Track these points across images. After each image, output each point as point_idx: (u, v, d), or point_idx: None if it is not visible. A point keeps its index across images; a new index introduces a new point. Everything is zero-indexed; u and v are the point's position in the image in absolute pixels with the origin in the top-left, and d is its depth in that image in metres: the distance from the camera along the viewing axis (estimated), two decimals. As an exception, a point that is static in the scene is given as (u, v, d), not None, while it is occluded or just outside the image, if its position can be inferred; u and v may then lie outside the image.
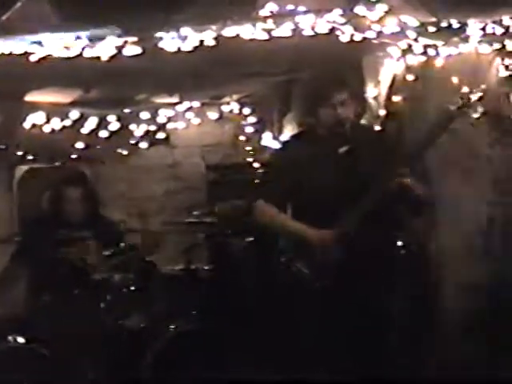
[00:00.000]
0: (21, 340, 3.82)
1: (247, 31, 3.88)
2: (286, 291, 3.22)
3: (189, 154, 6.43)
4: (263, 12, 3.78)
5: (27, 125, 5.65)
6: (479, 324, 4.17)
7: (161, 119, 6.18)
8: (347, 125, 3.12)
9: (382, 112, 4.72)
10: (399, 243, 4.23)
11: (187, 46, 3.89)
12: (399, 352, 3.18)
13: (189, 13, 3.66)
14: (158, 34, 3.80)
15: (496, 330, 4.11)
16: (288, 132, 5.74)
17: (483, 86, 3.00)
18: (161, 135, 6.28)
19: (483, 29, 4.11)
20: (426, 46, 4.33)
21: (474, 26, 4.08)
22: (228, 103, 6.32)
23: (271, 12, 3.79)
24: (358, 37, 4.05)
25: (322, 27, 3.91)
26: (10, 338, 3.84)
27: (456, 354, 4.16)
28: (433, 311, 4.37)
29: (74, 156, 5.92)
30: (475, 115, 2.96)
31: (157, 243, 4.34)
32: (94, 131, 5.91)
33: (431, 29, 4.09)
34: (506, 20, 4.05)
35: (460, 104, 2.95)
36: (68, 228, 4.30)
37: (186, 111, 6.25)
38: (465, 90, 2.97)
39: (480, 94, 2.97)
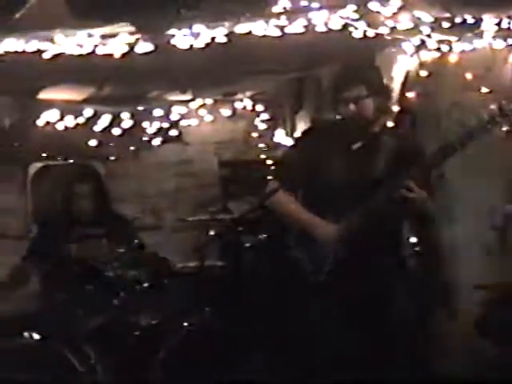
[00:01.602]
0: (36, 337, 3.84)
1: (260, 28, 3.87)
2: (298, 288, 3.21)
3: (202, 151, 6.43)
4: (276, 8, 3.77)
5: (41, 122, 5.67)
6: (489, 324, 4.15)
7: (174, 116, 6.18)
8: (361, 122, 3.10)
9: (396, 108, 4.70)
10: (411, 237, 4.23)
11: (200, 43, 3.89)
12: (405, 350, 3.16)
13: (201, 9, 3.66)
14: (171, 31, 3.80)
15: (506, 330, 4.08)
16: (301, 129, 5.73)
17: None
18: (174, 132, 6.29)
19: (498, 24, 4.08)
20: (439, 42, 4.30)
21: (488, 22, 4.05)
22: (241, 100, 6.32)
23: (284, 8, 3.78)
24: (371, 33, 4.03)
25: (336, 23, 3.89)
26: (25, 334, 3.86)
27: (466, 353, 4.14)
28: (437, 307, 4.36)
29: (87, 153, 5.94)
30: (499, 131, 2.89)
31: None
32: (108, 128, 5.92)
33: (445, 24, 4.06)
34: (520, 15, 4.02)
35: (486, 120, 2.88)
36: (81, 225, 4.31)
37: (198, 108, 6.25)
38: (494, 107, 2.89)
39: (509, 113, 2.88)
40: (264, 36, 3.93)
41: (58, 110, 5.66)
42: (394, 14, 3.90)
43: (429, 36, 4.21)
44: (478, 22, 4.06)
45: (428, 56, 4.43)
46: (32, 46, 3.79)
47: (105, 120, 5.89)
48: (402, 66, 4.66)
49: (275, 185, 3.21)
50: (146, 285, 4.07)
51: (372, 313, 3.02)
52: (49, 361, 3.74)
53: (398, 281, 3.15)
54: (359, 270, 3.01)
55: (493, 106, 2.89)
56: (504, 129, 2.90)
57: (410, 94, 4.60)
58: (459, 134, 2.93)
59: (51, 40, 3.78)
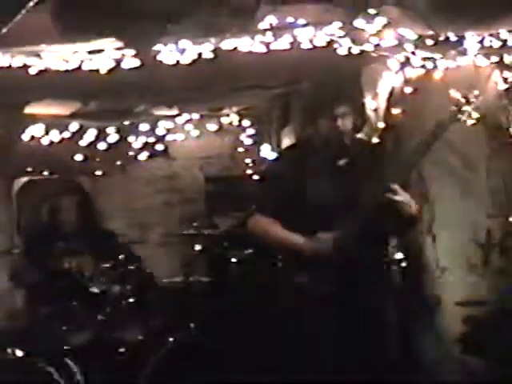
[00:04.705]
0: (19, 353, 3.81)
1: (246, 44, 3.90)
2: (284, 303, 3.22)
3: (188, 166, 6.44)
4: (262, 25, 3.80)
5: (26, 137, 5.65)
6: (476, 333, 4.17)
7: (160, 131, 6.19)
8: (346, 137, 3.12)
9: (381, 124, 4.73)
10: (395, 253, 4.25)
11: (186, 59, 3.90)
12: (396, 358, 3.17)
13: (187, 25, 3.67)
14: (157, 47, 3.82)
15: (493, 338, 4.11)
16: (286, 144, 5.75)
17: (476, 93, 3.00)
18: (160, 147, 6.29)
19: (481, 42, 4.12)
20: (423, 59, 4.34)
21: (471, 39, 4.10)
22: (227, 115, 6.34)
23: (270, 25, 3.80)
24: (356, 49, 4.06)
25: (321, 40, 3.93)
26: (8, 350, 3.83)
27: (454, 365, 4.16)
28: (430, 316, 4.37)
29: (73, 168, 5.92)
30: (470, 122, 2.96)
31: None
32: (93, 143, 5.92)
33: (429, 42, 4.10)
34: (503, 33, 4.06)
35: (453, 110, 2.95)
36: (67, 240, 4.30)
37: (184, 123, 6.26)
38: (458, 96, 2.98)
39: (473, 99, 2.97)
40: (250, 52, 3.96)
41: (43, 125, 5.65)
42: (379, 31, 3.94)
43: (413, 53, 4.26)
44: (461, 39, 4.11)
45: (413, 73, 4.48)
46: (18, 60, 3.79)
47: (90, 135, 5.88)
48: (386, 83, 4.70)
49: (257, 202, 3.23)
50: (131, 300, 4.06)
51: (366, 321, 3.03)
52: (32, 377, 3.72)
53: (388, 291, 3.17)
54: (350, 283, 3.02)
55: (458, 97, 2.95)
56: (472, 116, 2.97)
57: (395, 111, 4.64)
58: (431, 128, 2.97)
59: (37, 55, 3.78)
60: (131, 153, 6.18)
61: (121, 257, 4.19)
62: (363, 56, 4.16)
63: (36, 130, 5.64)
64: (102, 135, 5.92)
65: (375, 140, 4.61)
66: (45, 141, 5.72)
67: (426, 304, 4.40)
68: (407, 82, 4.53)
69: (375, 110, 4.80)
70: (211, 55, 3.90)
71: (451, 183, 4.43)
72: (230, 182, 6.22)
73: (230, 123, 6.37)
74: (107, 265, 4.11)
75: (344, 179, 3.10)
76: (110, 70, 3.93)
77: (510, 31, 4.04)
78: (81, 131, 5.81)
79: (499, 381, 3.92)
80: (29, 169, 5.81)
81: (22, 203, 5.92)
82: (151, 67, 3.96)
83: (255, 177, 5.96)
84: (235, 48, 3.90)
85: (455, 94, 2.98)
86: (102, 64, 3.88)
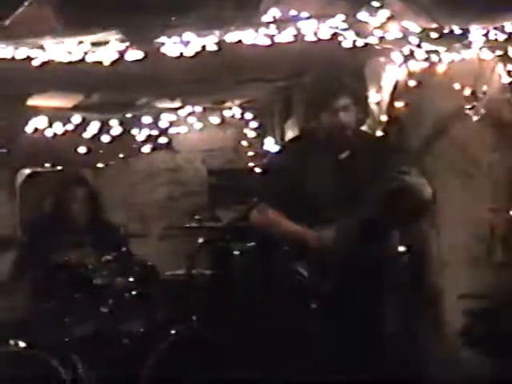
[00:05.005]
0: (22, 344, 3.82)
1: (250, 36, 3.89)
2: (287, 296, 3.22)
3: (191, 159, 6.44)
4: (266, 17, 3.79)
5: (29, 129, 5.65)
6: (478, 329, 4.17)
7: (163, 124, 6.18)
8: (349, 130, 3.12)
9: (384, 118, 4.72)
10: (399, 247, 4.24)
11: (189, 51, 3.90)
12: (398, 356, 3.17)
13: (191, 18, 3.67)
14: (160, 39, 3.82)
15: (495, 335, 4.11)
16: (290, 137, 5.74)
17: (485, 88, 2.99)
18: (163, 140, 6.29)
19: (485, 35, 4.12)
20: (428, 52, 4.33)
21: (476, 32, 4.09)
22: (230, 108, 6.33)
23: (274, 17, 3.80)
24: (360, 42, 4.05)
25: (325, 33, 3.92)
26: (11, 342, 3.84)
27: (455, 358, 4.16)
28: (432, 314, 4.37)
29: (76, 160, 5.92)
30: (476, 117, 2.94)
31: None
32: (96, 136, 5.91)
33: (433, 35, 4.09)
34: (508, 26, 4.05)
35: (459, 106, 2.95)
36: (70, 232, 4.30)
37: (187, 116, 6.26)
38: (467, 92, 2.97)
39: (482, 96, 2.96)
40: (253, 45, 3.95)
41: (46, 117, 5.65)
42: (383, 24, 3.93)
43: (418, 46, 4.25)
44: (466, 32, 4.10)
45: (416, 66, 4.46)
46: (21, 52, 3.79)
47: (93, 127, 5.88)
48: (390, 76, 4.69)
49: (260, 194, 3.23)
50: (134, 292, 4.07)
51: (369, 317, 3.03)
52: (35, 369, 3.72)
53: (391, 285, 3.16)
54: (353, 276, 3.02)
55: (467, 93, 2.95)
56: (480, 112, 2.96)
57: (399, 104, 4.63)
58: (436, 123, 2.97)
59: (41, 47, 3.78)
60: (134, 145, 6.17)
61: (124, 249, 4.19)
62: (367, 49, 4.15)
63: (39, 122, 5.64)
64: (104, 128, 5.92)
65: (379, 133, 4.60)
66: (48, 133, 5.72)
67: (428, 298, 4.40)
68: (411, 75, 4.52)
69: (379, 103, 4.79)
70: (215, 48, 3.89)
71: (454, 177, 4.42)
72: (233, 175, 6.21)
73: (233, 116, 6.36)
74: (110, 257, 4.11)
75: (347, 172, 3.10)
76: (113, 62, 3.93)
77: (515, 24, 4.03)
78: (84, 123, 5.81)
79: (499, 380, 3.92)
80: (32, 161, 5.81)
81: (26, 195, 5.93)
82: (154, 59, 3.96)
83: (258, 170, 5.95)
84: (239, 41, 3.89)
85: (461, 89, 2.97)
86: (106, 56, 3.87)
